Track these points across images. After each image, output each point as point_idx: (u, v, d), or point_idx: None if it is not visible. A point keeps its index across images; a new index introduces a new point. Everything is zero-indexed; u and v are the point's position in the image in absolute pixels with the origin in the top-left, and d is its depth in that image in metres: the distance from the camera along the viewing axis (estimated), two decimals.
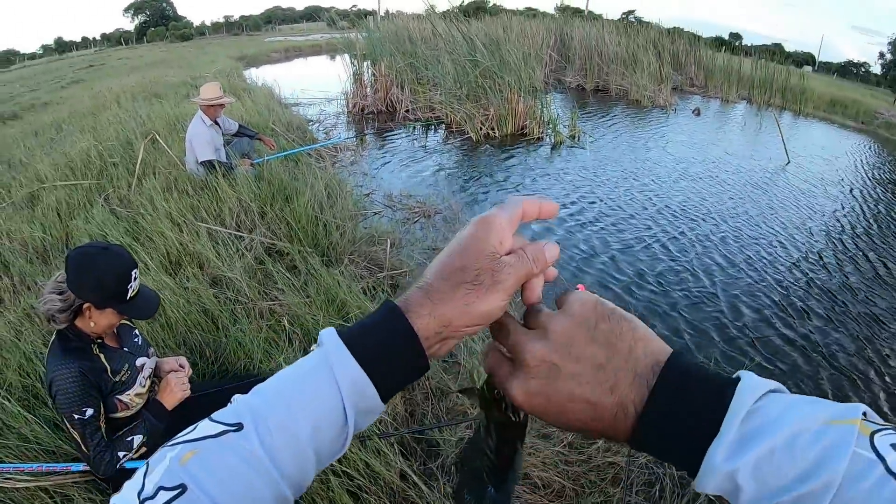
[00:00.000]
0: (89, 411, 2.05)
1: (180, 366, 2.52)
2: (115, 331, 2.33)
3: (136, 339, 2.40)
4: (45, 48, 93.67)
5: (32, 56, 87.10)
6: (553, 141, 8.99)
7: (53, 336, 2.16)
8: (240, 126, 6.30)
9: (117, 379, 2.19)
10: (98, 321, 2.12)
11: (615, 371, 0.50)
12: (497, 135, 9.09)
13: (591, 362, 0.51)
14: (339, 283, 3.54)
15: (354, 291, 3.58)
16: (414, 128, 9.98)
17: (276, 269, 3.87)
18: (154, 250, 4.27)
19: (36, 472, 2.44)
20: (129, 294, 2.11)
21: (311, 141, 8.43)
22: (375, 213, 5.74)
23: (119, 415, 2.24)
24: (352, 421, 0.51)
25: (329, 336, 0.53)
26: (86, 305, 2.08)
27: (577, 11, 44.36)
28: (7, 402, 2.86)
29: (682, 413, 0.47)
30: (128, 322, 2.43)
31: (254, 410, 0.50)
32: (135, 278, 2.12)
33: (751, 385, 0.46)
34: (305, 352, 2.50)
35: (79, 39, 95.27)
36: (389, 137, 9.38)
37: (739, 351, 4.11)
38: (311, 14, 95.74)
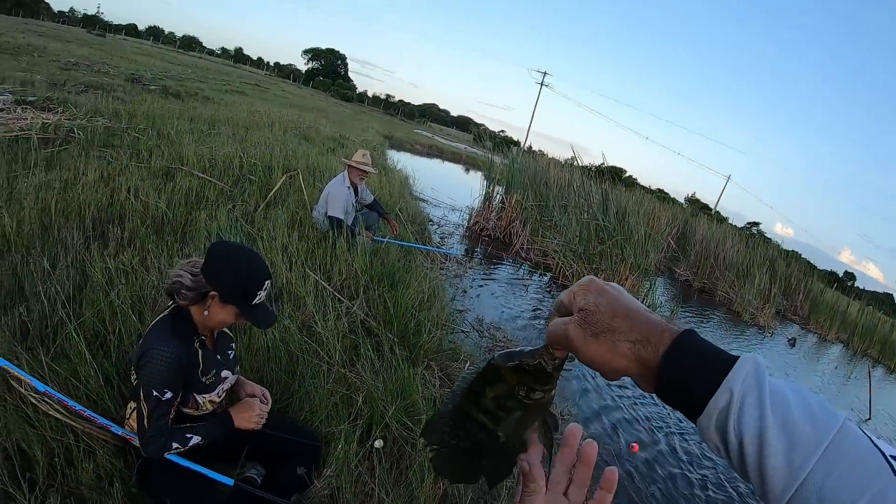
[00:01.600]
0: (168, 394, 2.13)
1: (263, 396, 2.56)
2: (216, 336, 2.43)
3: (229, 353, 2.51)
4: (224, 51, 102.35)
5: (211, 52, 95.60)
6: None
7: (166, 312, 2.27)
8: (374, 200, 6.63)
9: (203, 379, 2.28)
10: (214, 314, 2.23)
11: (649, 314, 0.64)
12: None
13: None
14: (416, 384, 3.55)
15: (428, 396, 3.57)
16: (523, 266, 10.11)
17: (363, 343, 3.93)
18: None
19: (77, 412, 2.48)
20: (256, 300, 2.22)
21: (428, 240, 8.72)
22: (463, 332, 5.77)
23: (187, 410, 2.31)
24: None
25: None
26: (212, 293, 2.19)
27: (704, 207, 44.70)
28: (75, 336, 2.98)
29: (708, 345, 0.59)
30: (229, 333, 2.53)
31: None
32: (265, 288, 2.24)
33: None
34: (366, 432, 2.54)
35: (255, 57, 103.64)
36: (497, 266, 9.53)
37: None
38: (461, 123, 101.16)
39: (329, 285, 4.79)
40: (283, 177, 7.26)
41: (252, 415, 2.38)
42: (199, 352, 2.27)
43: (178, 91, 17.94)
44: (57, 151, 7.03)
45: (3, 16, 50.19)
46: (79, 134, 8.13)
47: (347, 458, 2.81)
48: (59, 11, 79.95)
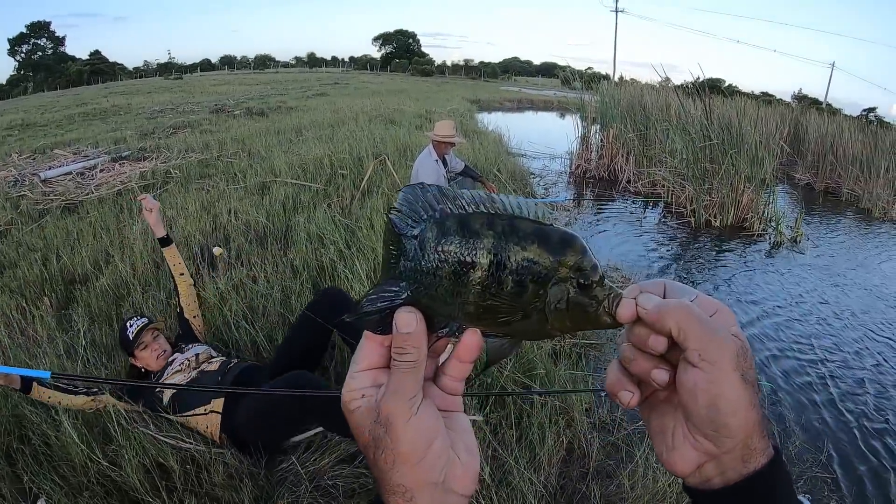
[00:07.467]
0: None
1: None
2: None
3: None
4: (298, 59, 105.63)
5: (285, 65, 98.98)
6: (773, 241, 8.30)
7: None
8: (465, 166, 6.68)
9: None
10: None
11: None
12: (718, 224, 8.62)
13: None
14: (532, 345, 3.60)
15: (544, 350, 3.64)
16: (633, 201, 9.89)
17: None
18: (364, 261, 4.64)
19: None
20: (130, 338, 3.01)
21: (531, 194, 8.70)
22: None
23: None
24: None
25: None
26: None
27: (814, 102, 41.39)
28: None
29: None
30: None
31: None
32: (130, 326, 3.04)
33: None
34: (484, 399, 2.58)
35: (328, 58, 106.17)
36: (606, 206, 9.38)
37: None
38: (547, 70, 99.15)
39: None
40: (371, 165, 7.45)
41: None
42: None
43: (262, 109, 18.74)
44: (159, 194, 7.58)
45: (84, 87, 54.35)
46: (175, 173, 8.71)
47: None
48: (134, 68, 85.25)
